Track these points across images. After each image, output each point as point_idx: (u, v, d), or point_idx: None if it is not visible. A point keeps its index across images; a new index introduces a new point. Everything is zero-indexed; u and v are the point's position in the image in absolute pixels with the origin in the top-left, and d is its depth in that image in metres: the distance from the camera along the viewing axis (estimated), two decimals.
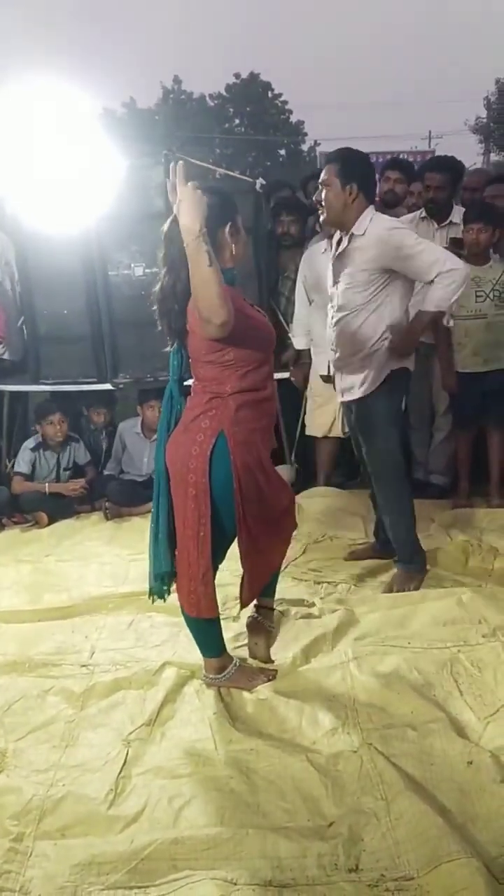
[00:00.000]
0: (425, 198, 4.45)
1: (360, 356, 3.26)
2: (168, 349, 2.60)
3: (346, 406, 3.51)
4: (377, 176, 4.89)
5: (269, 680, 2.74)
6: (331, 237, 4.29)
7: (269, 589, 2.95)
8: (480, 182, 4.99)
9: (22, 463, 4.82)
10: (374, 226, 3.11)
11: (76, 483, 4.85)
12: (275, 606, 3.09)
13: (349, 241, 3.18)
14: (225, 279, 2.27)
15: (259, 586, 2.79)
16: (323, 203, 3.17)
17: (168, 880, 1.90)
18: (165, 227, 2.40)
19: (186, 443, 2.49)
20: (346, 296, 3.23)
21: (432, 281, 3.08)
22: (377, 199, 4.92)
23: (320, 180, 3.18)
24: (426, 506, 4.42)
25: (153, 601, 2.77)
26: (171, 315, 2.47)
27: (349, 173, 3.11)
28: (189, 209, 2.18)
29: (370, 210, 3.15)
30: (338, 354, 3.36)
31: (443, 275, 3.06)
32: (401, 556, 3.48)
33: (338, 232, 3.28)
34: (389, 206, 4.82)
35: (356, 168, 3.15)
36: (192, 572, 2.56)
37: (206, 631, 2.72)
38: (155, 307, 2.49)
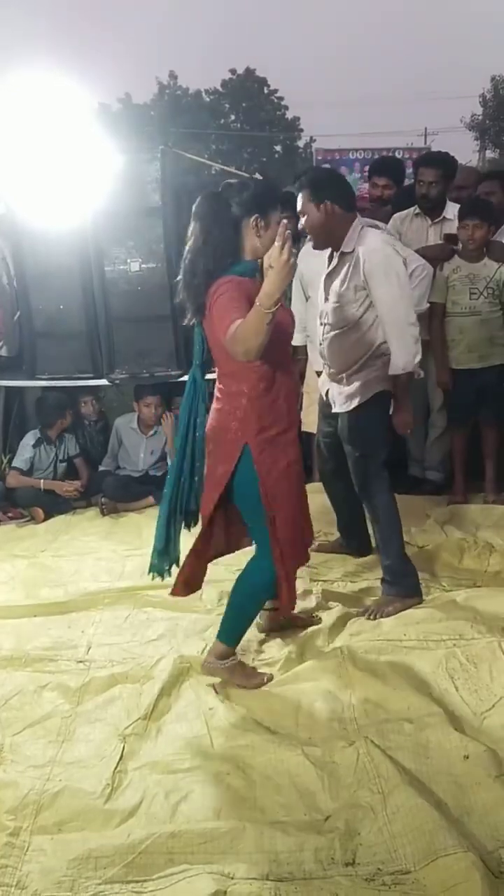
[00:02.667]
0: (418, 194, 4.43)
1: (349, 371, 3.21)
2: (188, 322, 2.64)
3: (329, 416, 3.44)
4: (364, 177, 4.90)
5: (267, 682, 2.73)
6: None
7: None
8: (469, 180, 4.98)
9: (21, 459, 4.82)
10: (360, 243, 3.05)
11: (71, 484, 4.86)
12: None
13: (339, 259, 3.13)
14: (245, 271, 2.46)
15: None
16: (308, 230, 3.14)
17: (165, 874, 1.91)
18: (195, 206, 2.49)
19: (213, 442, 2.62)
20: (336, 314, 3.16)
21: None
22: (366, 199, 4.94)
23: (298, 211, 3.15)
24: (421, 502, 4.44)
25: (161, 579, 2.87)
26: (193, 290, 2.49)
27: (319, 192, 3.06)
28: (276, 278, 2.17)
29: (357, 223, 3.10)
30: (331, 370, 3.32)
31: (395, 337, 3.03)
32: (386, 576, 3.31)
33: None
34: (383, 204, 4.83)
35: (324, 184, 3.10)
36: None
37: (249, 618, 2.79)
38: (179, 278, 2.53)
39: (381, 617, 3.12)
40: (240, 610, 2.76)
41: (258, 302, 2.20)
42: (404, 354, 3.06)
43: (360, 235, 3.07)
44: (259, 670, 2.81)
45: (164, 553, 2.81)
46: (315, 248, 3.24)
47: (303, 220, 3.12)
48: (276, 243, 2.19)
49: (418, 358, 3.10)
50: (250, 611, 2.79)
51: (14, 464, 4.82)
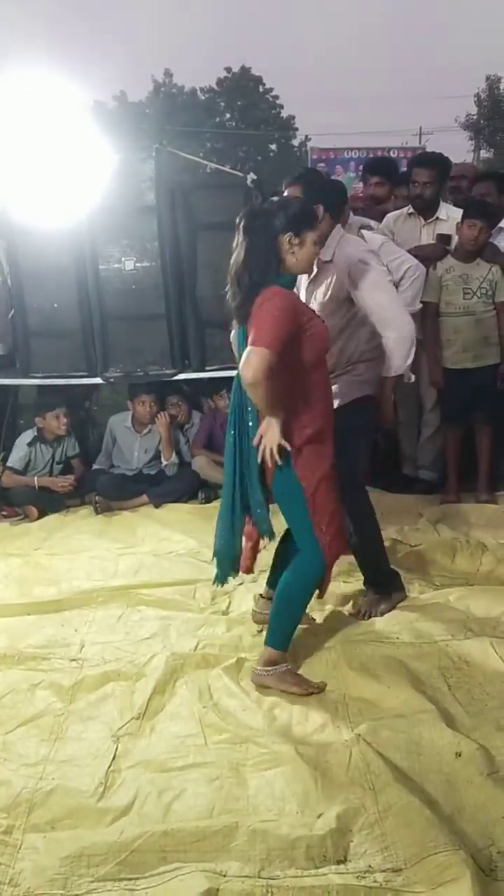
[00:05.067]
0: (412, 194, 4.46)
1: (332, 375, 3.11)
2: (233, 331, 2.79)
3: None
4: (360, 176, 4.91)
5: (319, 690, 2.67)
6: None
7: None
8: (468, 171, 5.00)
9: (16, 458, 4.80)
10: (340, 251, 3.01)
11: (65, 479, 4.84)
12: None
13: (320, 268, 3.08)
14: (286, 284, 2.60)
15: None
16: None
17: (157, 872, 1.92)
18: (238, 220, 2.61)
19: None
20: None
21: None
22: (361, 198, 4.96)
23: None
24: (414, 501, 4.45)
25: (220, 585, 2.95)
26: (240, 301, 2.61)
27: (314, 196, 3.00)
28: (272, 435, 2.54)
29: (337, 231, 3.06)
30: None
31: (390, 340, 3.00)
32: (368, 579, 3.29)
33: None
34: (377, 203, 4.84)
35: (320, 189, 3.07)
36: None
37: (297, 620, 2.81)
38: (227, 287, 2.66)
39: (374, 616, 3.13)
40: (288, 613, 2.76)
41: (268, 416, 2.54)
42: (399, 357, 3.03)
43: (339, 243, 3.04)
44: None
45: (230, 556, 2.84)
46: None
47: None
48: (270, 426, 2.54)
49: (409, 360, 3.07)
50: (298, 612, 2.81)
51: (8, 463, 4.80)
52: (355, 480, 3.25)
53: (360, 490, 3.28)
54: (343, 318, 3.09)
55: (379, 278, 3.00)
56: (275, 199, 2.74)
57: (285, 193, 3.10)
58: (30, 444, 4.84)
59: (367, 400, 3.21)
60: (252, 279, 2.56)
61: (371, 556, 3.27)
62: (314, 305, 3.14)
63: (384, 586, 3.25)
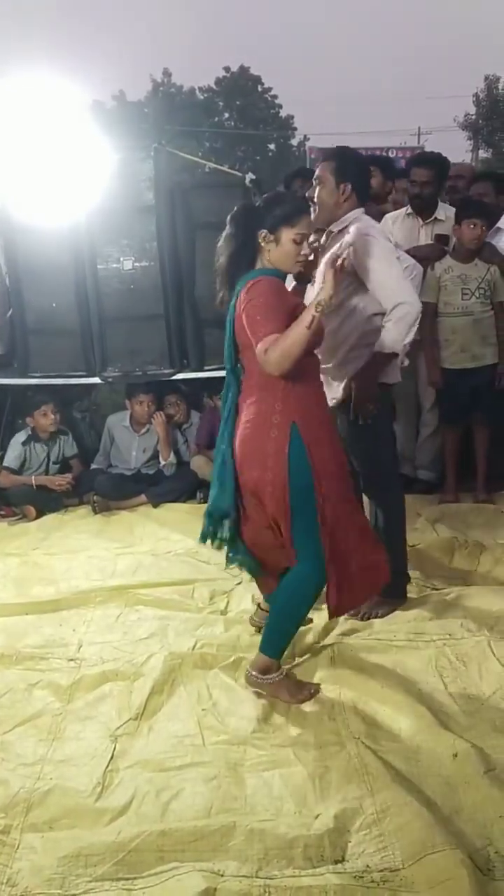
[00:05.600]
0: (411, 193, 4.46)
1: (336, 362, 3.12)
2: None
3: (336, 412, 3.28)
4: None
5: (313, 695, 2.63)
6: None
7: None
8: (466, 171, 5.00)
9: (11, 458, 4.81)
10: (353, 226, 2.98)
11: (63, 478, 4.84)
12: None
13: (327, 239, 3.07)
14: (273, 275, 2.57)
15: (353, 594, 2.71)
16: (315, 200, 3.07)
17: (155, 872, 1.91)
18: (232, 213, 2.65)
19: (258, 438, 2.55)
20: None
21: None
22: None
23: (314, 176, 3.10)
24: (413, 501, 4.43)
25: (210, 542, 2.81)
26: (221, 291, 2.65)
27: (344, 172, 3.01)
28: (326, 287, 2.44)
29: (358, 211, 3.06)
30: (319, 357, 3.29)
31: (395, 312, 2.93)
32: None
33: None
34: (374, 201, 4.84)
35: (352, 167, 3.07)
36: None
37: (290, 632, 2.70)
38: (217, 279, 2.69)
39: (373, 618, 3.12)
40: (283, 623, 2.66)
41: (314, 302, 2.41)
42: (395, 331, 2.95)
43: (353, 221, 3.02)
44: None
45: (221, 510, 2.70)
46: (315, 221, 3.10)
47: (316, 188, 3.04)
48: (327, 265, 2.46)
49: (408, 339, 3.00)
50: (293, 623, 2.69)
51: (4, 462, 4.81)
52: (393, 468, 3.29)
53: (397, 481, 3.31)
54: (344, 292, 3.03)
55: (383, 253, 2.97)
56: (269, 194, 2.72)
57: (318, 170, 3.09)
58: (24, 444, 4.85)
59: (383, 387, 3.15)
60: (232, 269, 2.61)
61: (391, 552, 3.12)
62: (318, 274, 3.08)
63: (391, 588, 3.16)
